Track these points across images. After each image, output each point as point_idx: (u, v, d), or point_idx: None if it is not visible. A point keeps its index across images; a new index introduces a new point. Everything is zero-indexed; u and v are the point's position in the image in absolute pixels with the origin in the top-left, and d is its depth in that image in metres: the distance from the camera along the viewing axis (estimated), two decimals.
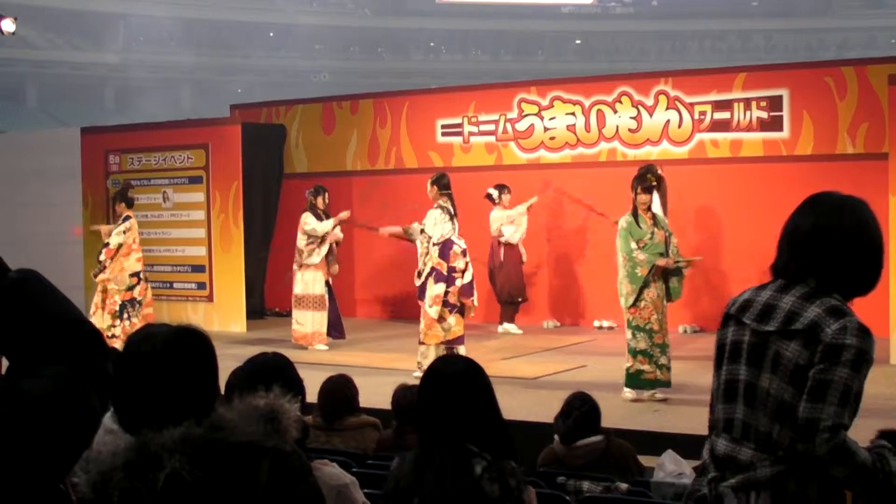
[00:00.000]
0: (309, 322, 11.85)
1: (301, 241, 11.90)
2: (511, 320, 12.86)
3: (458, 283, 9.85)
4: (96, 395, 2.05)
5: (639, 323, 8.70)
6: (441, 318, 9.81)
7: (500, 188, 12.72)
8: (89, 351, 2.06)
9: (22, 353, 2.07)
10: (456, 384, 3.16)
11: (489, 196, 12.74)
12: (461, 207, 13.24)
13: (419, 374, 9.35)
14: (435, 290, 9.73)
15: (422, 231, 9.90)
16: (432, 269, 9.80)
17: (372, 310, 14.25)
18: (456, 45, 53.19)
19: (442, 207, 9.90)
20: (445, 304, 9.80)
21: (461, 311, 9.90)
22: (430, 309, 9.76)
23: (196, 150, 14.26)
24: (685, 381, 9.18)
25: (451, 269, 9.80)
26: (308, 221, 11.81)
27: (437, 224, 9.82)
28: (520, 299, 12.86)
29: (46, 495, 2.06)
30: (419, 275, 9.93)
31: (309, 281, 11.86)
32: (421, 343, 9.84)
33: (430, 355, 9.43)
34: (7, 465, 1.91)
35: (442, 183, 10.06)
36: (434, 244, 9.80)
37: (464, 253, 9.92)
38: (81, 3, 45.84)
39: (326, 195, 12.03)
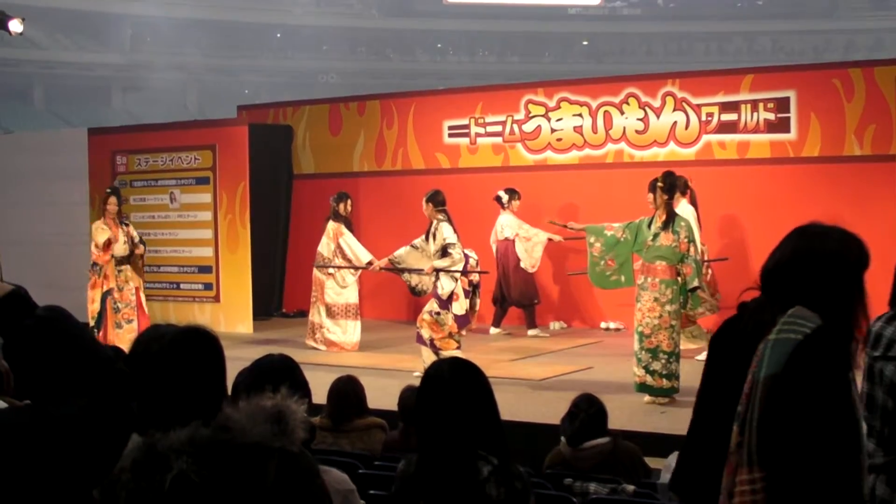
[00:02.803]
0: (347, 331, 11.87)
1: (326, 247, 11.89)
2: (533, 324, 12.76)
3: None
4: (119, 426, 2.08)
5: (635, 324, 8.77)
6: (454, 332, 9.89)
7: (511, 192, 12.66)
8: (118, 387, 2.10)
9: (50, 386, 2.11)
10: (456, 386, 3.15)
11: (498, 199, 12.68)
12: (468, 209, 13.24)
13: None
14: (457, 308, 9.82)
15: (445, 249, 9.85)
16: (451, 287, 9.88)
17: (376, 311, 14.24)
18: (463, 47, 53.16)
19: (449, 222, 9.92)
20: (458, 317, 9.90)
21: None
22: (446, 321, 9.83)
23: (203, 150, 14.28)
24: (691, 384, 9.14)
25: (470, 282, 9.92)
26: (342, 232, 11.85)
27: (454, 234, 9.87)
28: (536, 301, 12.79)
29: None
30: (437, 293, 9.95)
31: (341, 289, 11.86)
32: (438, 350, 9.86)
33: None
34: (34, 481, 1.94)
35: (437, 200, 10.07)
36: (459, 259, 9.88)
37: (476, 264, 10.05)
38: (88, 3, 45.88)
39: (349, 202, 12.02)
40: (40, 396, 2.14)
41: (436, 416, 3.10)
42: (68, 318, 2.20)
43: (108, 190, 12.06)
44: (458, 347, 9.84)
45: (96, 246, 11.40)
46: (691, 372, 9.47)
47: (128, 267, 11.54)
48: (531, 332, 12.66)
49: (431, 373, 3.22)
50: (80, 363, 2.14)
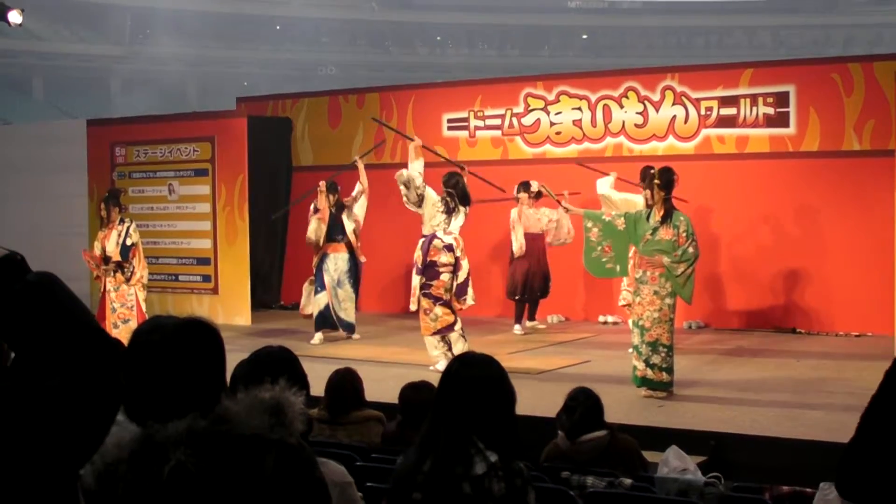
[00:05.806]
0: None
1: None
2: (528, 318, 12.71)
3: (444, 277, 9.88)
4: (108, 400, 2.07)
5: (635, 318, 8.75)
6: (427, 310, 9.88)
7: (525, 186, 12.41)
8: (107, 359, 2.09)
9: (39, 353, 2.09)
10: (482, 388, 3.16)
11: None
12: None
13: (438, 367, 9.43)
14: (413, 281, 9.89)
15: (419, 193, 10.00)
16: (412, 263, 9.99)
17: (375, 303, 14.25)
18: (462, 40, 53.16)
19: (444, 199, 10.00)
20: (429, 296, 9.86)
21: (447, 303, 9.95)
22: (412, 301, 9.93)
23: (202, 142, 14.27)
24: (689, 378, 9.18)
25: (433, 263, 9.87)
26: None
27: (432, 207, 9.93)
28: (538, 294, 12.66)
29: (59, 489, 2.08)
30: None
31: None
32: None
33: (429, 346, 9.95)
34: (17, 456, 1.93)
35: (450, 182, 10.18)
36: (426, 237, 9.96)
37: (449, 248, 9.92)
38: None
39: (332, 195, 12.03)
40: (25, 365, 2.12)
41: (454, 414, 3.09)
42: (59, 285, 2.18)
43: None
44: (435, 333, 9.86)
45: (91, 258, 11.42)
46: (686, 366, 9.51)
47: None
48: (529, 323, 12.60)
49: (456, 374, 3.21)
50: (68, 332, 2.12)
